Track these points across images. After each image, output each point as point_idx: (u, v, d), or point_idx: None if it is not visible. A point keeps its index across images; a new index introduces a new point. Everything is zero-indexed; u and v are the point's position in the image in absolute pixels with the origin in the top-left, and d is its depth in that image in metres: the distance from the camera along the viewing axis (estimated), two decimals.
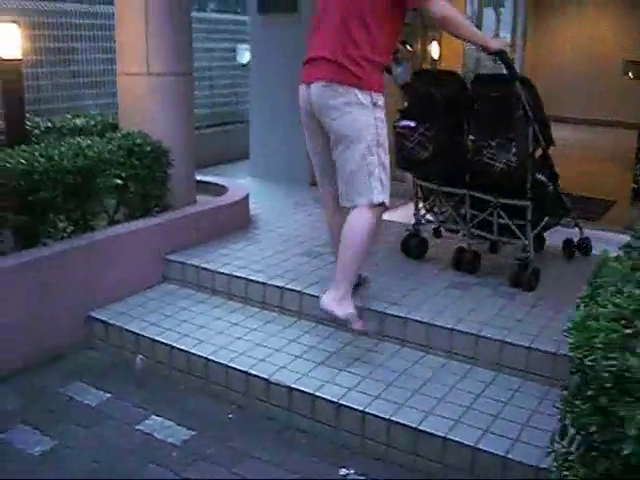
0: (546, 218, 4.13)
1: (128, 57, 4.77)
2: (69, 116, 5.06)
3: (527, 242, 3.94)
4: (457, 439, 2.86)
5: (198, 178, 5.31)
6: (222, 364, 3.53)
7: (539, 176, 3.94)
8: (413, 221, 4.56)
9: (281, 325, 3.91)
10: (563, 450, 1.75)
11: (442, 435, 2.88)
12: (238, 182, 6.17)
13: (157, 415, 3.36)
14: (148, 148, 4.54)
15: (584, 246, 4.52)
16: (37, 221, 3.90)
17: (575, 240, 4.53)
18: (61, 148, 4.07)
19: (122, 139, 4.51)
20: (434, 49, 7.83)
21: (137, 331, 3.89)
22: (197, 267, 4.44)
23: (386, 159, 3.43)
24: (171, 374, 3.73)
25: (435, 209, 4.45)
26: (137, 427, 3.26)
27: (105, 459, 3.02)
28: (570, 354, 1.76)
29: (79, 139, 4.35)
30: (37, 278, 3.80)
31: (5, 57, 4.07)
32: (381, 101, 3.40)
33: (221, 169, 7.61)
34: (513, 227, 3.97)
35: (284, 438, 3.20)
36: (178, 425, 3.28)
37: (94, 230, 4.25)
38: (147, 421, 3.31)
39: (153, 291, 4.43)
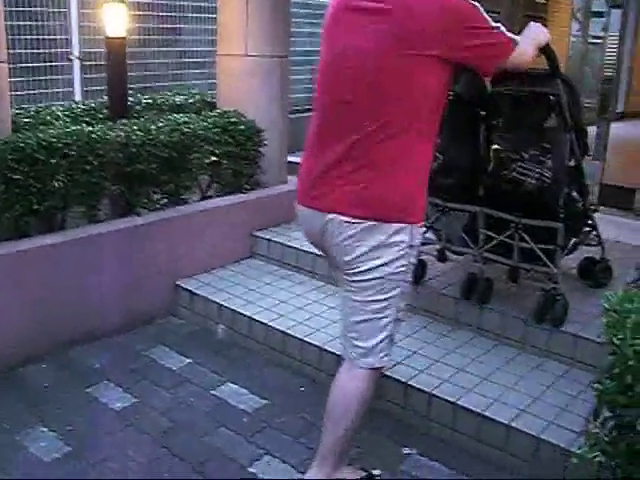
0: (573, 240, 3.52)
1: (228, 39, 4.93)
2: (169, 93, 5.25)
3: (556, 270, 3.35)
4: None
5: (290, 159, 5.41)
6: (298, 338, 3.63)
7: (572, 192, 3.36)
8: None
9: None
10: (595, 430, 1.75)
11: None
12: None
13: (233, 383, 3.50)
14: (242, 127, 4.68)
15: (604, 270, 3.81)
16: (132, 192, 4.10)
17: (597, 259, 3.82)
18: (159, 123, 4.25)
19: (218, 117, 4.66)
20: None
21: (220, 302, 4.04)
22: (283, 245, 4.56)
23: (403, 307, 2.55)
24: (250, 345, 3.86)
25: (438, 227, 3.75)
26: (212, 392, 3.41)
27: (180, 419, 3.18)
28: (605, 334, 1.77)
29: (177, 115, 4.52)
30: (130, 246, 4.00)
31: (111, 35, 4.26)
32: (419, 238, 2.47)
33: None
34: (539, 252, 3.36)
35: None
36: (252, 393, 3.41)
37: (186, 203, 4.42)
38: (222, 387, 3.46)
39: (240, 265, 4.58)
